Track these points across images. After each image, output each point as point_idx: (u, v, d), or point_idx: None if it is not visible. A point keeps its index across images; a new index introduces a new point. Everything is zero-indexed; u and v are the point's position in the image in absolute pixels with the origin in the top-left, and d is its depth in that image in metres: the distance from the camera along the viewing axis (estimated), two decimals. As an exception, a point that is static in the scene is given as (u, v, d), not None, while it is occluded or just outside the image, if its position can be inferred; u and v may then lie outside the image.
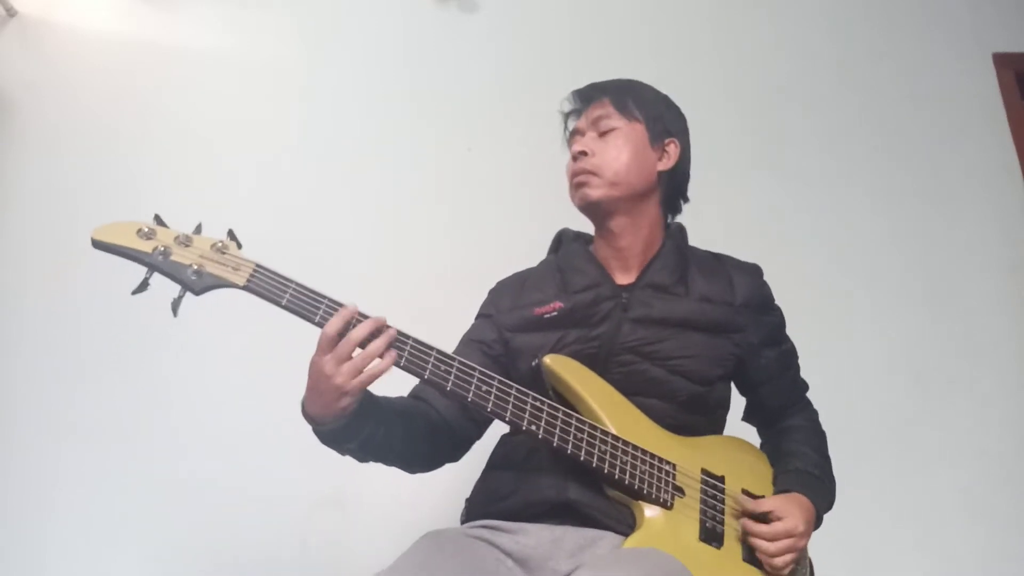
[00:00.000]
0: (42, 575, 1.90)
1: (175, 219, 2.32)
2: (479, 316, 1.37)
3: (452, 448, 1.27)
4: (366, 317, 1.03)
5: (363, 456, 1.15)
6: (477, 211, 2.27)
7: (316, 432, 1.09)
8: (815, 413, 1.40)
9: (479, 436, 1.30)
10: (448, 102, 2.40)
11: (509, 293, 1.34)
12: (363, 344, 1.01)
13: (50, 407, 2.01)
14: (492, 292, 1.39)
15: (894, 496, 2.07)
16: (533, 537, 1.11)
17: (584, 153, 1.27)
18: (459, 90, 2.42)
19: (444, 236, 2.24)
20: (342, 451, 1.12)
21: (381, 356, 1.01)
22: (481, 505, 1.20)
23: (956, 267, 2.34)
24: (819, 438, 1.35)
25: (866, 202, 2.40)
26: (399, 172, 2.31)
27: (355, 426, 1.07)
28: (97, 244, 1.05)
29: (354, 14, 2.48)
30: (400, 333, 1.05)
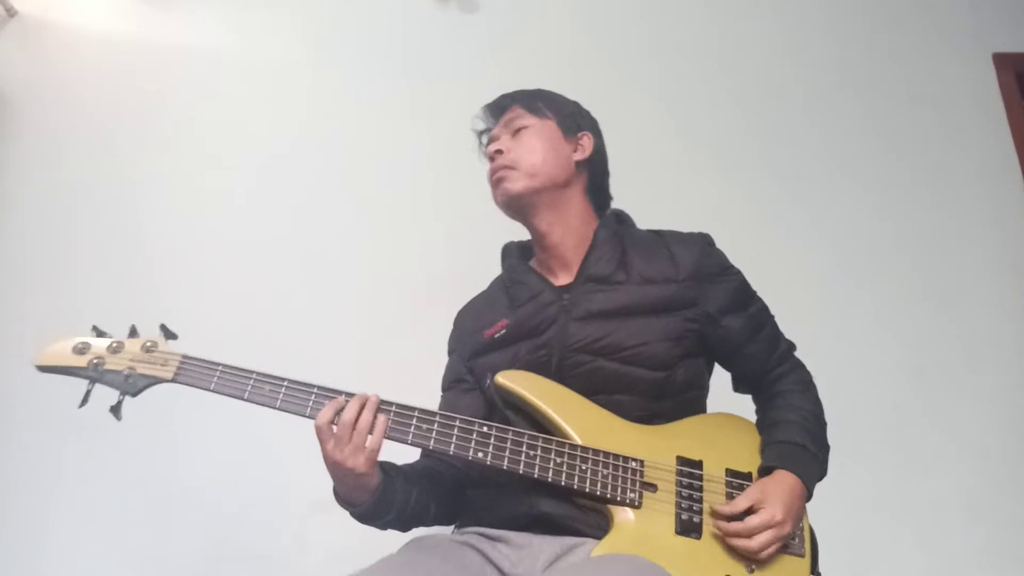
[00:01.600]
0: (41, 575, 1.90)
1: (174, 219, 2.32)
2: (449, 353, 1.38)
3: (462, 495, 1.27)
4: (340, 394, 1.08)
5: (405, 524, 1.20)
6: (477, 211, 2.26)
7: (355, 515, 1.14)
8: (806, 373, 1.33)
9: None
10: (448, 102, 2.40)
11: (469, 319, 1.36)
12: (354, 424, 1.05)
13: (50, 407, 2.01)
14: (455, 322, 1.40)
15: (894, 495, 2.07)
16: (514, 546, 1.11)
17: (500, 151, 1.29)
18: (459, 90, 2.42)
19: (444, 236, 2.24)
20: (383, 525, 1.18)
21: (372, 427, 1.06)
22: (469, 521, 1.20)
23: (957, 267, 2.33)
24: (809, 401, 1.28)
25: (867, 201, 2.39)
26: (399, 172, 2.31)
27: (387, 498, 1.12)
28: (43, 369, 1.16)
29: (355, 14, 2.48)
30: (384, 402, 1.09)
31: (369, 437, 1.05)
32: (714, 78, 2.51)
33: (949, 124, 2.51)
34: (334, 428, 1.05)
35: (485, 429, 1.10)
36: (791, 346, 1.34)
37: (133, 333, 1.16)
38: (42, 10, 2.42)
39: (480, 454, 1.08)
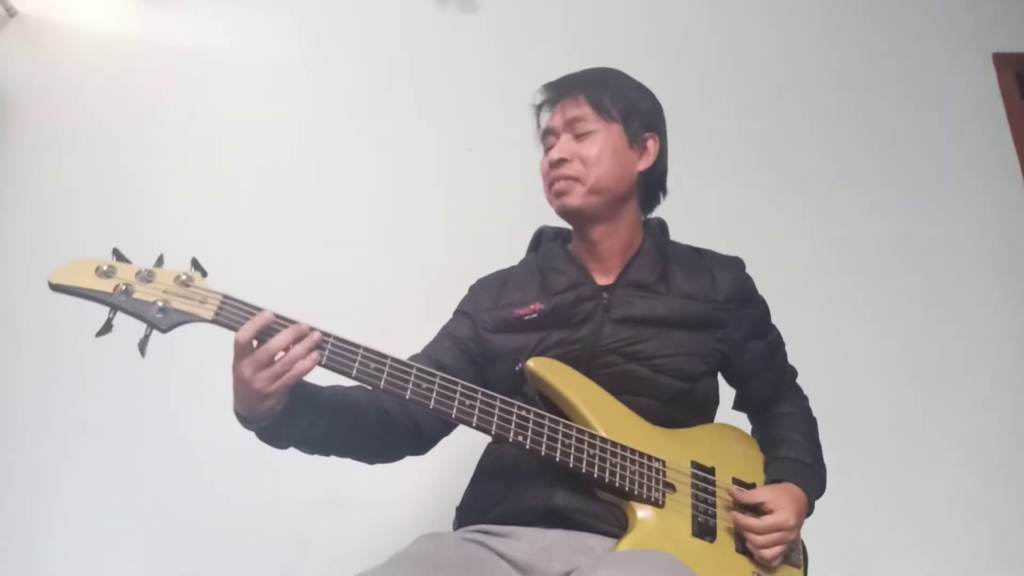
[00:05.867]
0: (42, 574, 1.90)
1: (175, 219, 2.32)
2: (457, 312, 1.36)
3: (415, 443, 1.26)
4: (289, 323, 1.01)
5: (306, 449, 1.15)
6: (477, 211, 2.27)
7: (248, 429, 1.09)
8: (805, 399, 1.39)
9: (447, 433, 1.28)
10: (448, 102, 2.40)
11: (489, 292, 1.33)
12: (282, 351, 1.00)
13: (50, 407, 2.01)
14: (472, 290, 1.37)
15: (894, 496, 2.07)
16: (525, 542, 1.11)
17: (564, 160, 1.24)
18: (459, 90, 2.42)
19: (443, 236, 2.24)
20: (281, 447, 1.13)
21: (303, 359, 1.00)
22: (472, 514, 1.20)
23: (956, 267, 2.34)
24: (809, 424, 1.35)
25: (866, 202, 2.39)
26: (399, 172, 2.31)
27: (285, 424, 1.07)
28: (55, 287, 0.98)
29: (354, 14, 2.48)
30: (331, 335, 1.02)
31: (292, 368, 0.99)
32: (713, 78, 2.51)
33: (949, 124, 2.51)
34: (255, 344, 1.00)
35: (524, 412, 1.08)
36: (795, 373, 1.41)
37: (160, 262, 1.02)
38: (42, 10, 2.42)
39: (520, 438, 1.06)
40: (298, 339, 1.00)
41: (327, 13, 2.48)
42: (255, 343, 1.00)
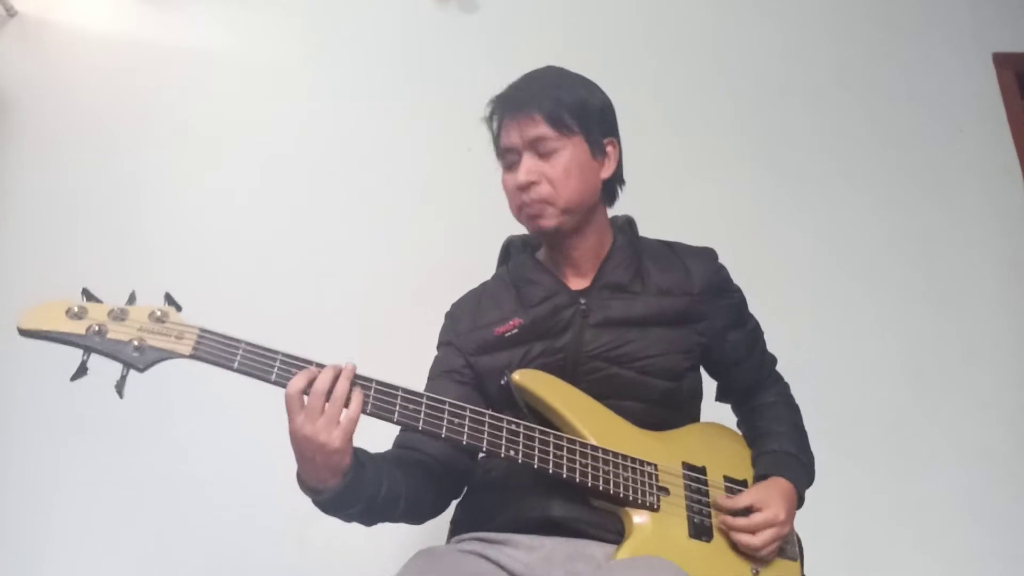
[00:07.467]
0: (41, 574, 1.90)
1: (175, 219, 2.32)
2: (441, 345, 1.33)
3: (453, 487, 1.24)
4: (322, 367, 1.00)
5: (370, 518, 1.12)
6: (477, 211, 2.26)
7: (318, 504, 1.05)
8: (786, 386, 1.39)
9: (467, 460, 1.26)
10: (448, 102, 2.40)
11: (466, 315, 1.31)
12: (328, 393, 0.98)
13: (50, 407, 2.01)
14: (449, 316, 1.36)
15: (894, 496, 2.07)
16: (523, 550, 1.11)
17: (533, 183, 1.21)
18: (459, 90, 2.42)
19: (443, 236, 2.24)
20: (348, 518, 1.09)
21: (349, 399, 0.99)
22: (467, 527, 1.19)
23: (956, 267, 2.34)
24: (792, 412, 1.35)
25: (866, 202, 2.40)
26: (399, 172, 2.31)
27: (357, 487, 1.03)
28: (25, 333, 0.97)
29: (354, 14, 2.48)
30: (362, 376, 1.01)
31: (344, 410, 0.98)
32: (713, 78, 2.51)
33: (949, 124, 2.51)
34: (305, 399, 0.98)
35: (513, 427, 1.07)
36: (775, 360, 1.41)
37: (132, 300, 1.01)
38: (42, 10, 2.42)
39: (512, 452, 1.05)
40: (336, 376, 0.99)
41: (327, 13, 2.48)
42: (305, 397, 0.98)
